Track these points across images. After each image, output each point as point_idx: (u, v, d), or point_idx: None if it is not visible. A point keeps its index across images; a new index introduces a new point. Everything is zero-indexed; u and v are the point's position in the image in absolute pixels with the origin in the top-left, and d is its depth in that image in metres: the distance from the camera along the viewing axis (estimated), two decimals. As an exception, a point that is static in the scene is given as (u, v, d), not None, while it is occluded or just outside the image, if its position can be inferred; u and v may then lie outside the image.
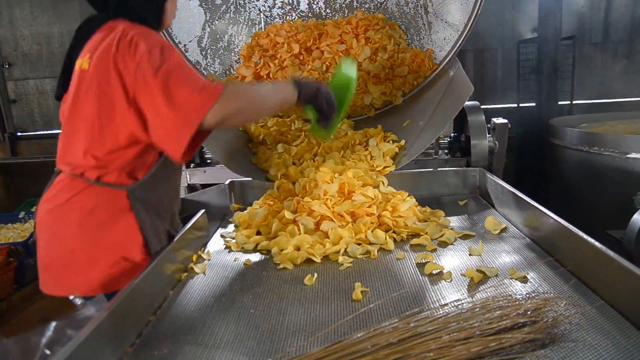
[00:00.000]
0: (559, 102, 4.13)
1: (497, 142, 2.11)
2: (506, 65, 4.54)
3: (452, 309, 0.96)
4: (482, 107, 2.02)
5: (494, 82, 4.68)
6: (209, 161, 2.25)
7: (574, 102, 4.21)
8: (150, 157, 1.32)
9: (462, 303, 0.99)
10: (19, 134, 5.61)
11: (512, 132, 4.07)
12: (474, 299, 1.06)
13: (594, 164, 2.71)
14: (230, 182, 1.94)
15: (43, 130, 5.58)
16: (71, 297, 1.07)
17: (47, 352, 0.87)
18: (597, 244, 1.10)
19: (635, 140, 2.48)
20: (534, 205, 1.42)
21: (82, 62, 1.23)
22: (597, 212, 2.67)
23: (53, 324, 0.90)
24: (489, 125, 2.15)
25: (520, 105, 4.31)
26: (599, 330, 0.92)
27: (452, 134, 2.27)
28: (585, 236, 1.15)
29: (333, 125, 1.49)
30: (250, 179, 1.90)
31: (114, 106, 1.19)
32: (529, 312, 0.92)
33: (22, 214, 3.76)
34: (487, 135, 2.09)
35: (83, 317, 0.97)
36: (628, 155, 2.51)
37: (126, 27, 1.21)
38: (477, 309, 0.94)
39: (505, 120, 2.15)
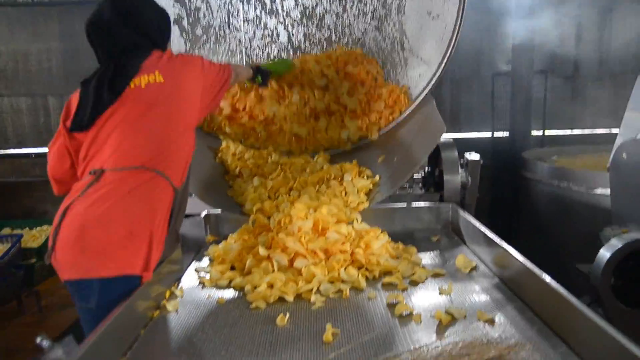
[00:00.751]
0: (532, 133, 4.26)
1: (469, 178, 2.16)
2: (481, 96, 4.66)
3: (420, 353, 0.98)
4: (458, 135, 2.07)
5: (469, 112, 4.79)
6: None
7: (546, 132, 4.35)
8: (189, 158, 1.58)
9: (430, 349, 1.01)
10: (-10, 152, 5.51)
11: (486, 162, 4.19)
12: (442, 342, 1.08)
13: (563, 198, 2.79)
14: (206, 214, 1.94)
15: (16, 149, 5.49)
16: (38, 340, 1.05)
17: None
18: (561, 289, 1.13)
19: (602, 176, 2.56)
20: (501, 246, 1.46)
21: (151, 78, 1.48)
22: (567, 245, 2.75)
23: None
24: (462, 160, 2.20)
25: (495, 135, 4.42)
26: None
27: (427, 169, 2.32)
28: (549, 279, 1.19)
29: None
30: (226, 212, 1.90)
31: (196, 105, 1.56)
32: (493, 360, 0.95)
33: (-11, 237, 3.65)
34: (460, 170, 2.14)
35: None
36: (595, 191, 2.59)
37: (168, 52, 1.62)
38: (443, 357, 0.96)
39: (477, 157, 2.21)
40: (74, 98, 1.53)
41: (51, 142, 1.61)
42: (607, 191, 2.55)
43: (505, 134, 4.32)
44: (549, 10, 4.42)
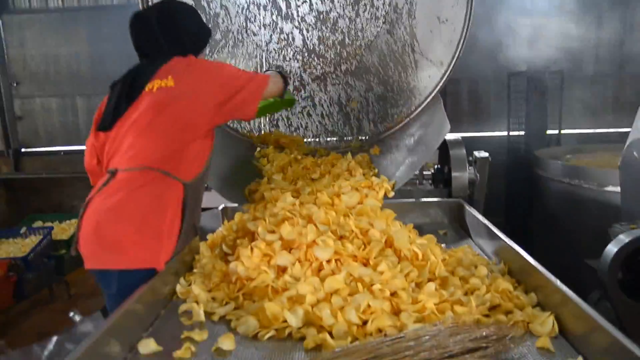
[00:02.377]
0: (548, 132, 4.28)
1: (477, 175, 2.23)
2: (497, 95, 4.69)
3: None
4: (474, 134, 2.14)
5: (485, 111, 4.83)
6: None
7: (562, 131, 4.36)
8: (203, 159, 1.63)
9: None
10: (23, 149, 5.76)
11: (501, 160, 4.24)
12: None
13: (574, 195, 2.83)
14: (223, 207, 2.06)
15: (47, 147, 5.73)
16: (71, 315, 1.17)
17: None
18: (557, 281, 1.17)
19: (613, 174, 2.60)
20: (502, 239, 1.53)
21: (163, 82, 1.54)
22: (578, 241, 2.78)
23: (54, 338, 1.00)
24: (470, 158, 2.28)
25: (510, 134, 4.45)
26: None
27: (436, 166, 2.40)
28: (544, 270, 1.25)
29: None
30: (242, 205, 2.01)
31: (209, 109, 1.57)
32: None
33: (23, 229, 3.87)
34: (468, 168, 2.22)
35: (81, 333, 1.07)
36: (605, 188, 2.63)
37: (190, 58, 1.65)
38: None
39: (486, 154, 2.27)
40: (105, 99, 1.65)
41: (87, 138, 1.71)
42: (618, 188, 2.58)
43: (521, 132, 4.34)
44: (567, 9, 4.43)
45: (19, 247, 3.62)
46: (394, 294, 1.22)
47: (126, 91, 1.56)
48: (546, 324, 1.10)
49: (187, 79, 1.56)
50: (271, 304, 1.15)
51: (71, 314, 1.17)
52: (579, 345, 1.04)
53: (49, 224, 4.16)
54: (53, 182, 5.63)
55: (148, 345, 1.07)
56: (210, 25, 2.41)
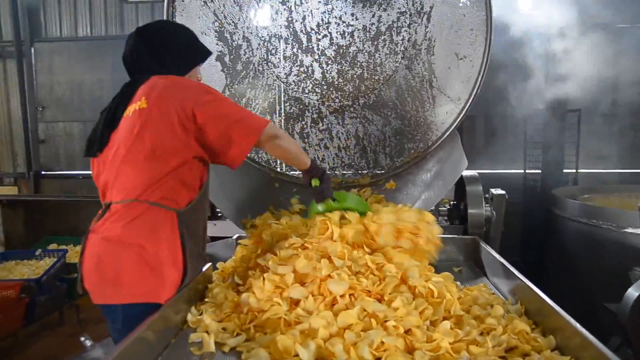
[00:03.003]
0: (565, 170, 4.25)
1: (494, 212, 2.21)
2: (514, 133, 4.70)
3: None
4: (490, 171, 2.13)
5: (502, 148, 4.83)
6: (219, 214, 2.38)
7: (579, 170, 4.33)
8: (196, 185, 1.54)
9: None
10: (43, 172, 5.90)
11: (518, 198, 4.20)
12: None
13: (592, 235, 2.78)
14: (237, 237, 2.06)
15: (66, 171, 5.86)
16: (82, 339, 1.17)
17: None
18: (577, 325, 1.13)
19: (632, 216, 2.56)
20: (518, 277, 1.50)
21: (138, 105, 1.45)
22: (595, 283, 2.72)
23: (66, 364, 1.00)
24: (487, 195, 2.26)
25: (527, 171, 4.43)
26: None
27: (452, 202, 2.38)
28: (563, 312, 1.22)
29: (324, 205, 1.74)
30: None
31: (175, 130, 1.43)
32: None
33: (38, 251, 3.90)
34: (485, 205, 2.20)
35: (91, 359, 1.07)
36: (625, 230, 2.58)
37: (171, 76, 1.54)
38: None
39: (502, 192, 2.26)
40: None
41: None
42: (638, 230, 2.53)
43: (537, 171, 4.32)
44: (583, 49, 4.46)
45: (33, 269, 3.64)
46: (408, 331, 1.20)
47: (109, 117, 1.50)
48: (567, 368, 1.07)
49: (156, 98, 1.45)
50: (283, 337, 1.13)
51: (82, 338, 1.16)
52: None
53: (63, 246, 4.19)
54: (70, 205, 5.72)
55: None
56: (232, 57, 2.49)
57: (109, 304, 1.43)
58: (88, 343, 1.15)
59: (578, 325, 1.14)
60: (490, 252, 1.84)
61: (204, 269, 1.66)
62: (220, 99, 1.51)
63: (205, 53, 1.71)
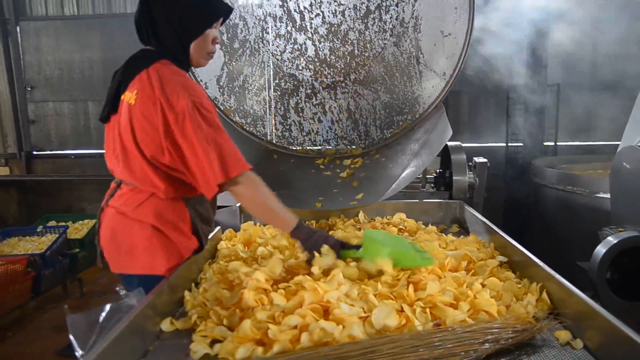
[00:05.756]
0: (545, 143, 4.46)
1: (477, 179, 2.39)
2: (497, 108, 4.88)
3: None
4: (474, 145, 2.29)
5: (485, 122, 5.02)
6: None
7: (558, 143, 4.54)
8: (184, 184, 1.50)
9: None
10: (34, 152, 5.92)
11: (500, 169, 4.41)
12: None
13: (568, 201, 2.99)
14: (240, 205, 2.21)
15: (58, 150, 5.89)
16: (117, 289, 1.32)
17: (100, 329, 1.12)
18: (551, 271, 1.30)
19: (603, 182, 2.76)
20: (498, 232, 1.69)
21: (130, 97, 1.41)
22: (570, 244, 2.94)
23: (107, 306, 1.14)
24: (470, 163, 2.44)
25: (509, 144, 4.63)
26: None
27: (438, 170, 2.56)
28: (533, 257, 1.40)
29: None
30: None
31: (160, 135, 1.38)
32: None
33: (39, 228, 4.01)
34: (468, 172, 2.38)
35: (127, 305, 1.21)
36: (597, 195, 2.79)
37: (169, 71, 1.42)
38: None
39: (484, 160, 2.44)
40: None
41: None
42: (608, 195, 2.74)
43: (519, 144, 4.52)
44: (563, 24, 4.61)
45: (36, 244, 3.75)
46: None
47: (112, 93, 1.49)
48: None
49: (143, 98, 1.39)
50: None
51: (117, 288, 1.32)
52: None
53: (62, 223, 4.30)
54: (63, 184, 5.79)
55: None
56: (229, 35, 2.60)
57: (124, 274, 1.52)
58: (122, 292, 1.30)
59: (551, 271, 1.30)
60: (473, 214, 2.02)
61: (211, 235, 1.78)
62: (197, 123, 1.35)
63: (200, 19, 1.47)
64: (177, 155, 1.38)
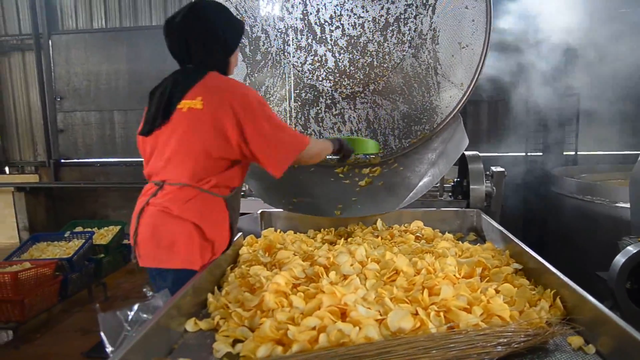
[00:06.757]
0: (565, 152, 4.43)
1: (494, 188, 2.41)
2: (516, 117, 4.87)
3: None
4: (494, 154, 2.31)
5: (505, 132, 5.01)
6: (242, 193, 2.59)
7: (578, 152, 4.51)
8: (238, 178, 1.72)
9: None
10: (62, 160, 6.13)
11: (519, 178, 4.40)
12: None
13: (587, 211, 2.98)
14: (261, 211, 2.28)
15: (84, 159, 6.09)
16: (144, 290, 1.39)
17: (129, 328, 1.18)
18: (569, 281, 1.29)
19: (623, 191, 2.75)
20: (514, 240, 1.71)
21: (193, 103, 1.58)
22: (589, 254, 2.92)
23: (136, 306, 1.21)
24: (487, 172, 2.46)
25: (528, 154, 4.61)
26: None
27: (456, 179, 2.59)
28: (547, 264, 1.42)
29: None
30: (279, 210, 2.23)
31: (226, 136, 1.57)
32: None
33: (67, 234, 4.15)
34: (485, 181, 2.40)
35: (153, 305, 1.28)
36: (617, 204, 2.78)
37: (225, 78, 1.66)
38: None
39: (502, 169, 2.46)
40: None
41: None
42: (628, 204, 2.73)
43: (539, 153, 4.50)
44: (585, 32, 4.60)
45: (64, 249, 3.89)
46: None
47: (163, 105, 1.62)
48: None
49: (213, 103, 1.57)
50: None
51: (144, 289, 1.39)
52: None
53: (89, 229, 4.43)
54: (88, 191, 5.97)
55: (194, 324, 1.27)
56: (251, 47, 2.69)
57: (160, 268, 1.62)
58: (149, 293, 1.37)
59: (565, 278, 1.31)
60: (490, 222, 2.05)
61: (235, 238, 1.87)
62: (264, 117, 1.60)
63: (240, 29, 1.77)
64: (248, 145, 1.59)
